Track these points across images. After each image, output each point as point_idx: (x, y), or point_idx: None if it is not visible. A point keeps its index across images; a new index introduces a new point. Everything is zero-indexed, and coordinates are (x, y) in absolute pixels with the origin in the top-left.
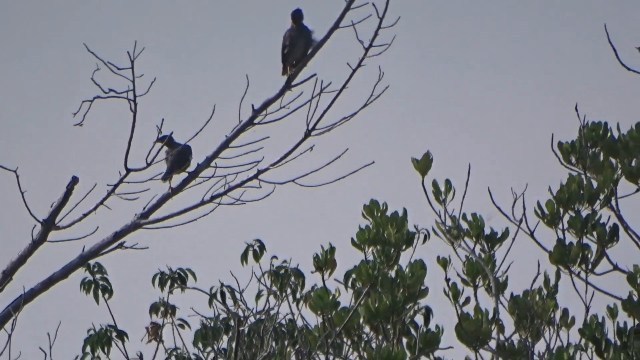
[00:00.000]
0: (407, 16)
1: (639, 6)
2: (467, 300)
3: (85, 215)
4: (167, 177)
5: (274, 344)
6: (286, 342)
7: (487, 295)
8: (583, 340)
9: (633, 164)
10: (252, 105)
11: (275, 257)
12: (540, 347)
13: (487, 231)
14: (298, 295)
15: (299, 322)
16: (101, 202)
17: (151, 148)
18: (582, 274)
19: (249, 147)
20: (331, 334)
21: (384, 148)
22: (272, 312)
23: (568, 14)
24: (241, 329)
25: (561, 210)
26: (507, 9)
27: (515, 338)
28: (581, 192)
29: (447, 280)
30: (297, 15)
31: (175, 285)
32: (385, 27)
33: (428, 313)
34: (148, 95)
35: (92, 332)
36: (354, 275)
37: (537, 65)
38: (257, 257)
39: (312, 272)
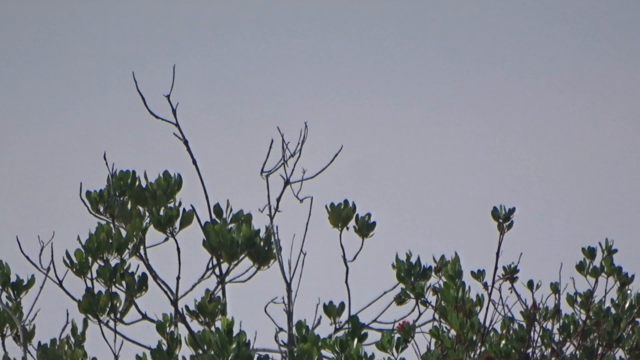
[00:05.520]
0: None
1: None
2: None
3: None
4: None
5: None
6: None
7: (15, 344)
8: None
9: (161, 212)
10: None
11: None
12: None
13: (13, 279)
14: None
15: None
16: None
17: None
18: (111, 323)
19: None
20: None
21: None
22: None
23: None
24: None
25: (90, 259)
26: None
27: None
28: (110, 241)
29: None
30: None
31: None
32: None
33: None
34: None
35: None
36: None
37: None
38: None
39: None
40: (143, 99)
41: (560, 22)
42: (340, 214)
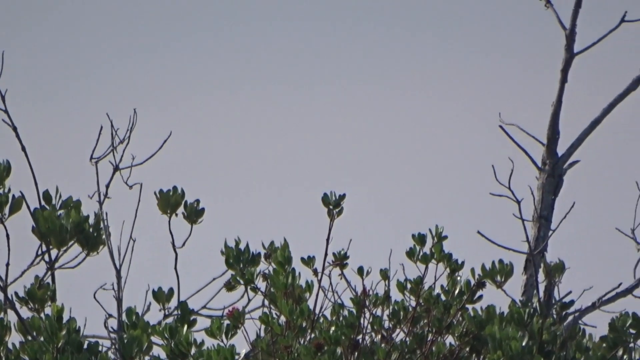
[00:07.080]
0: None
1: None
2: None
3: None
4: None
5: None
6: None
7: None
8: None
9: None
10: None
11: None
12: None
13: None
14: None
15: None
16: None
17: None
18: None
19: None
20: None
21: None
22: None
23: None
24: None
25: None
26: None
27: None
28: None
29: None
30: None
31: None
32: None
33: None
34: None
35: None
36: None
37: None
38: None
39: None
40: None
41: None
42: (169, 201)
